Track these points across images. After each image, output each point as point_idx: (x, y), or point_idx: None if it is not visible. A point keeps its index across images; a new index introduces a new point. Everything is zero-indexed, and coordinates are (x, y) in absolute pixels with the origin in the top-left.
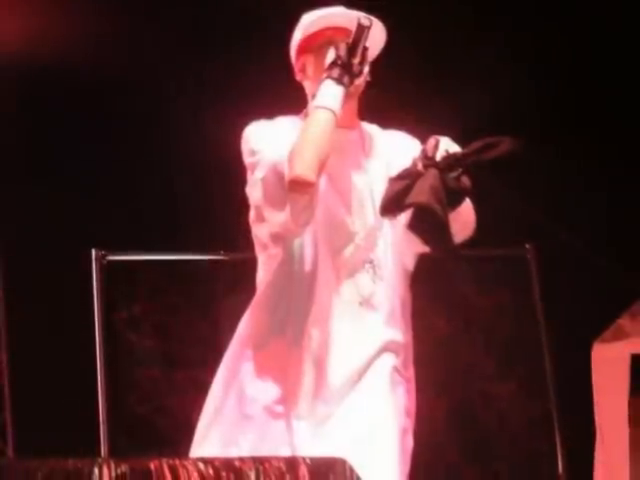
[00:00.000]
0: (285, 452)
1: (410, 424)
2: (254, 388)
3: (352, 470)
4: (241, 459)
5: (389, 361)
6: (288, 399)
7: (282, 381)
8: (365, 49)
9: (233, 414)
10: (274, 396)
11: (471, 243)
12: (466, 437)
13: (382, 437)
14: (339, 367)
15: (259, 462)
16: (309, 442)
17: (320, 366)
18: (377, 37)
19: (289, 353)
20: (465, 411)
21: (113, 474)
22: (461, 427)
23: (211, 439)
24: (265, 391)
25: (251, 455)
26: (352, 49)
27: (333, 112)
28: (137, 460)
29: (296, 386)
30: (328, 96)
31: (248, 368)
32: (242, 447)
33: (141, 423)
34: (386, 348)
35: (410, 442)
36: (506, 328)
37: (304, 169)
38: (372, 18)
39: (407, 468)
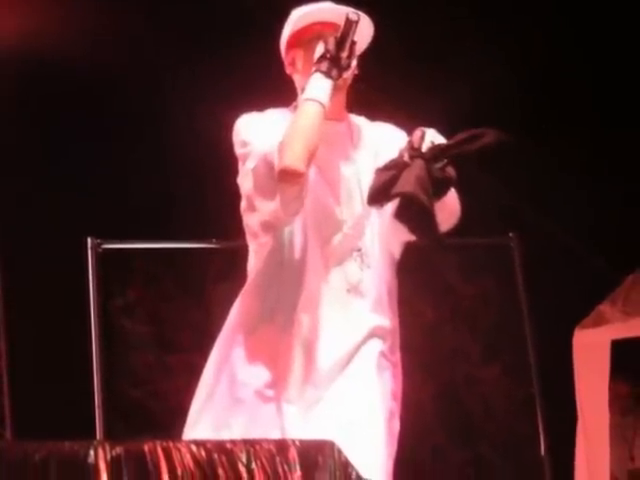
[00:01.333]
0: (275, 435)
1: (397, 407)
2: (245, 373)
3: (340, 452)
4: (232, 441)
5: (376, 346)
6: (278, 383)
7: (272, 366)
8: (353, 43)
9: (225, 398)
10: (265, 381)
11: (456, 232)
12: (451, 420)
13: (369, 420)
14: (328, 352)
15: (250, 444)
16: (299, 425)
17: (309, 351)
18: (365, 32)
19: (279, 339)
20: (450, 395)
21: (108, 456)
22: (447, 411)
23: (203, 422)
24: (256, 376)
25: (242, 438)
26: (340, 43)
27: (322, 104)
28: (132, 442)
29: (286, 371)
30: (317, 89)
31: (239, 353)
32: (233, 430)
33: (136, 407)
34: (373, 334)
35: (397, 425)
36: (490, 315)
37: (294, 160)
38: (360, 13)
39: (394, 450)
